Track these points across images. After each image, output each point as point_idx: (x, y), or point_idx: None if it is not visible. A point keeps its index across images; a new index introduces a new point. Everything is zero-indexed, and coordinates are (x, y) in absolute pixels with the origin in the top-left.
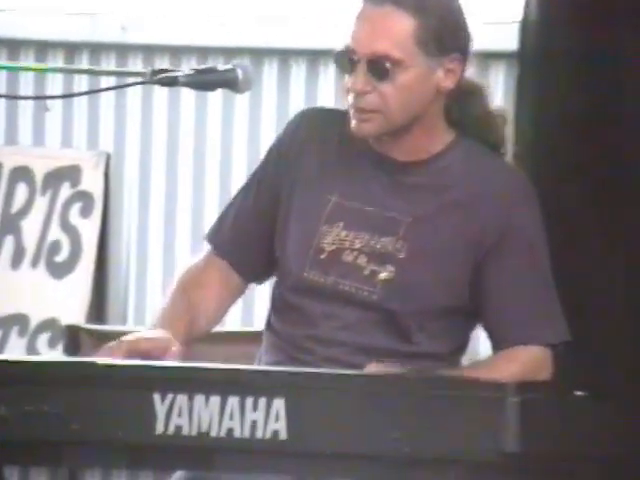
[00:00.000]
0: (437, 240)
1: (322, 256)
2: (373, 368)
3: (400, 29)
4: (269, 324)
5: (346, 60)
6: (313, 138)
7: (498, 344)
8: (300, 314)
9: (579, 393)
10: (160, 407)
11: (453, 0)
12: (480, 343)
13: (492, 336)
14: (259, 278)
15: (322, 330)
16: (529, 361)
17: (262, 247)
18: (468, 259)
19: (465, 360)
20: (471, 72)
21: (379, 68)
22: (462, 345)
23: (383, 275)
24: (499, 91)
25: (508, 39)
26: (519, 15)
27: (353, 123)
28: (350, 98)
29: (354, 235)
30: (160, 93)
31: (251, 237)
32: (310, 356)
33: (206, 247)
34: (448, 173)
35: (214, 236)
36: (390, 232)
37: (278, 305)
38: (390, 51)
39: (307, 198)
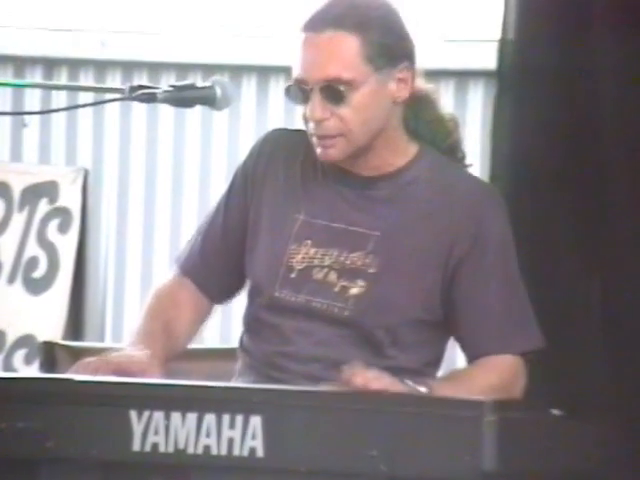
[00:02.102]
0: (406, 253)
1: (292, 275)
2: (359, 375)
3: (346, 50)
4: (242, 345)
5: (299, 91)
6: (277, 159)
7: (472, 354)
8: (273, 332)
9: (555, 411)
10: (137, 424)
11: (391, 10)
12: (457, 354)
13: (465, 347)
14: (226, 298)
15: (296, 347)
16: (505, 370)
17: (230, 269)
18: (438, 271)
19: (441, 373)
20: (450, 90)
21: (333, 93)
22: (437, 358)
23: (354, 291)
24: (478, 109)
25: (486, 57)
26: (497, 33)
27: (318, 151)
28: (310, 127)
29: (323, 252)
30: (139, 109)
31: (220, 259)
32: (285, 374)
33: (175, 269)
34: (414, 186)
35: (183, 259)
36: (359, 247)
37: (251, 325)
38: (341, 74)
39: (274, 218)
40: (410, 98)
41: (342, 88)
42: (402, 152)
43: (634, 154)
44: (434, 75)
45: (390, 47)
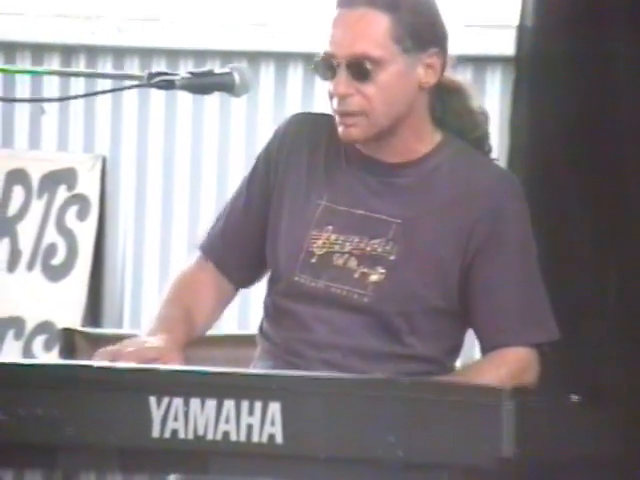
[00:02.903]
0: (427, 241)
1: (312, 260)
2: None
3: (376, 28)
4: (262, 331)
5: (326, 66)
6: (301, 143)
7: (486, 345)
8: (292, 319)
9: (573, 397)
10: (156, 411)
11: None
12: (475, 346)
13: (480, 337)
14: (248, 282)
15: (315, 334)
16: (516, 363)
17: (252, 252)
18: (457, 259)
19: (459, 362)
20: (468, 76)
21: (360, 69)
22: (455, 348)
23: (374, 277)
24: (496, 95)
25: (505, 43)
26: (516, 19)
27: (340, 129)
28: (334, 103)
29: (344, 238)
30: (157, 96)
31: (241, 242)
32: (303, 360)
33: (197, 253)
34: (437, 174)
35: (205, 242)
36: (379, 234)
37: (270, 311)
38: (369, 51)
39: (296, 203)
40: (441, 88)
41: (368, 65)
42: (426, 139)
43: None
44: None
45: (420, 31)
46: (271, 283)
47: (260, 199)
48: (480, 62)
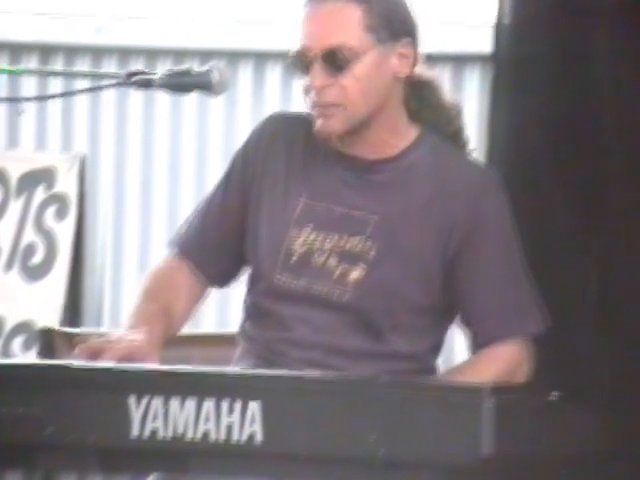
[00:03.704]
0: (406, 237)
1: (293, 259)
2: None
3: (349, 19)
4: (243, 331)
5: (301, 60)
6: (278, 143)
7: (478, 341)
8: (274, 318)
9: (554, 395)
10: (135, 410)
11: None
12: (455, 342)
13: (472, 333)
14: (224, 280)
15: (296, 333)
16: (511, 358)
17: (229, 250)
18: (438, 255)
19: (440, 360)
20: (446, 74)
21: (335, 60)
22: (436, 345)
23: (354, 275)
24: (474, 93)
25: (483, 42)
26: (493, 18)
27: (318, 122)
28: (311, 97)
29: (324, 236)
30: (135, 95)
31: (218, 240)
32: (285, 359)
33: (172, 250)
34: (415, 170)
35: (181, 238)
36: (359, 231)
37: (251, 311)
38: (343, 41)
39: (275, 202)
40: (413, 82)
41: (344, 56)
42: (403, 134)
43: (632, 140)
44: (430, 59)
45: (392, 21)
46: (251, 283)
47: (237, 198)
48: (459, 60)
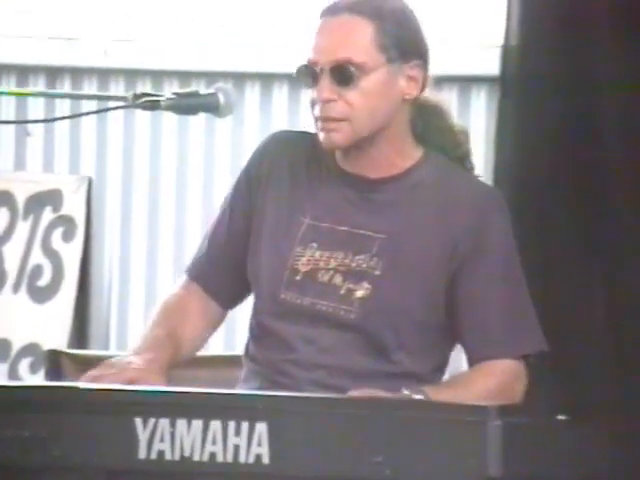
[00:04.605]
0: (411, 256)
1: (297, 277)
2: (356, 393)
3: (360, 35)
4: (247, 353)
5: (309, 73)
6: (281, 161)
7: (473, 358)
8: (279, 339)
9: (560, 416)
10: (142, 432)
11: (407, 7)
12: (463, 359)
13: (467, 350)
14: (235, 302)
15: (302, 354)
16: (504, 375)
17: (237, 272)
18: (442, 273)
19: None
20: (453, 95)
21: (343, 74)
22: (441, 365)
23: (359, 293)
24: (481, 114)
25: (490, 63)
26: (501, 40)
27: (322, 136)
28: (316, 110)
29: (329, 255)
30: (142, 117)
31: (226, 263)
32: (291, 380)
33: (184, 276)
34: (419, 188)
35: (190, 265)
36: (364, 250)
37: (256, 332)
38: (352, 56)
39: (279, 221)
40: (421, 105)
41: (352, 70)
42: (407, 154)
43: (637, 160)
44: (438, 81)
45: (404, 41)
46: (256, 303)
47: (243, 219)
48: (465, 82)
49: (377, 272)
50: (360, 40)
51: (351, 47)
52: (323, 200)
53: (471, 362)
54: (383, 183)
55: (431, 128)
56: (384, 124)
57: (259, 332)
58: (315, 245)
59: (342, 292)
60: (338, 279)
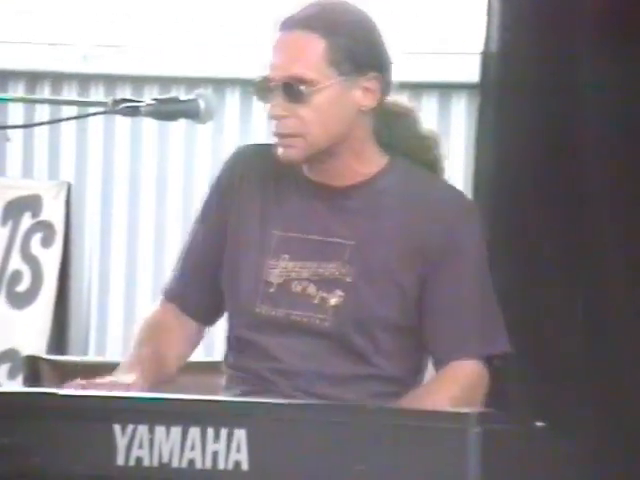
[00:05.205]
0: (382, 261)
1: (271, 290)
2: None
3: (311, 51)
4: (228, 364)
5: (263, 89)
6: (251, 175)
7: (438, 359)
8: (259, 349)
9: (539, 424)
10: (121, 438)
11: (366, 19)
12: None
13: (432, 351)
14: (213, 318)
15: (281, 362)
16: (467, 379)
17: (213, 288)
18: (413, 277)
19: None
20: (433, 102)
21: (294, 91)
22: (419, 368)
23: (333, 301)
24: (461, 122)
25: (469, 70)
26: (481, 46)
27: (278, 151)
28: (272, 125)
29: (301, 265)
30: (122, 123)
31: (202, 281)
32: (273, 388)
33: (160, 296)
34: (388, 194)
35: (166, 285)
36: (335, 257)
37: (235, 345)
38: (303, 73)
39: (252, 235)
40: (387, 113)
41: (302, 87)
42: (372, 161)
43: (616, 166)
44: (418, 88)
45: (358, 55)
46: (232, 317)
47: (215, 234)
48: (445, 89)
49: (349, 279)
50: (311, 57)
51: (302, 64)
52: (292, 211)
53: (436, 363)
54: (350, 190)
55: (398, 135)
56: (342, 136)
57: (238, 345)
58: (287, 256)
59: (316, 301)
60: (312, 289)
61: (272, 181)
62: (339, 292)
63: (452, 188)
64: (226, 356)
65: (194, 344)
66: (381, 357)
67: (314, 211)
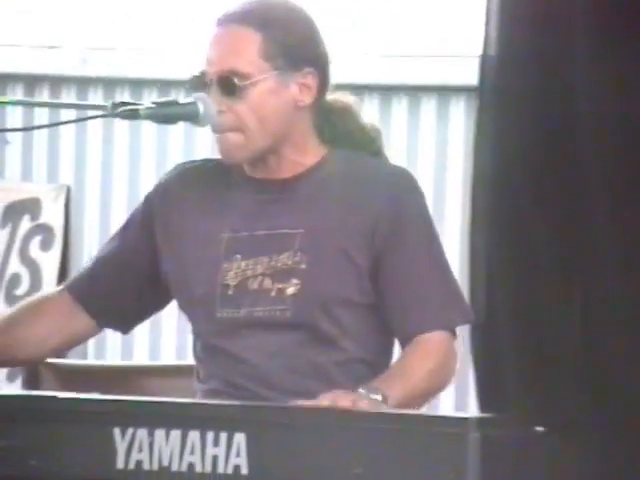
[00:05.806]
0: (333, 243)
1: (230, 292)
2: (326, 401)
3: (245, 45)
4: (199, 377)
5: (199, 84)
6: (188, 192)
7: (403, 335)
8: (227, 355)
9: (539, 428)
10: (120, 442)
11: (303, 16)
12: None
13: (396, 328)
14: (121, 323)
15: (250, 364)
16: (439, 351)
17: (125, 294)
18: (366, 256)
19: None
20: (432, 105)
21: (228, 85)
22: (387, 347)
23: (290, 290)
24: (460, 125)
25: (468, 73)
26: (479, 49)
27: (219, 150)
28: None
29: (254, 262)
30: (121, 126)
31: (109, 283)
32: (249, 392)
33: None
34: (330, 181)
35: (70, 279)
36: (286, 248)
37: (202, 356)
38: (237, 67)
39: (200, 247)
40: (328, 109)
41: (236, 81)
42: (311, 153)
43: (616, 172)
44: (416, 90)
45: (294, 50)
46: (195, 329)
47: (134, 248)
48: (444, 92)
49: (303, 266)
50: (246, 51)
51: (236, 58)
52: (238, 211)
53: (404, 342)
54: (292, 181)
55: (339, 130)
56: (281, 132)
57: (205, 355)
58: (239, 256)
59: (273, 294)
60: (267, 282)
61: (214, 189)
62: (295, 280)
63: (395, 167)
64: (196, 371)
65: (75, 337)
66: (348, 340)
67: (259, 207)
